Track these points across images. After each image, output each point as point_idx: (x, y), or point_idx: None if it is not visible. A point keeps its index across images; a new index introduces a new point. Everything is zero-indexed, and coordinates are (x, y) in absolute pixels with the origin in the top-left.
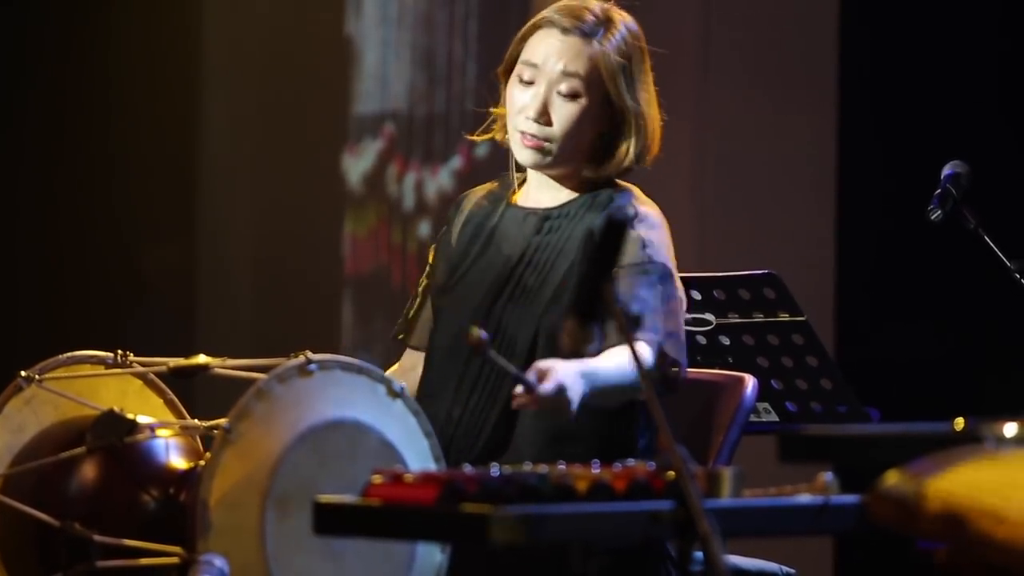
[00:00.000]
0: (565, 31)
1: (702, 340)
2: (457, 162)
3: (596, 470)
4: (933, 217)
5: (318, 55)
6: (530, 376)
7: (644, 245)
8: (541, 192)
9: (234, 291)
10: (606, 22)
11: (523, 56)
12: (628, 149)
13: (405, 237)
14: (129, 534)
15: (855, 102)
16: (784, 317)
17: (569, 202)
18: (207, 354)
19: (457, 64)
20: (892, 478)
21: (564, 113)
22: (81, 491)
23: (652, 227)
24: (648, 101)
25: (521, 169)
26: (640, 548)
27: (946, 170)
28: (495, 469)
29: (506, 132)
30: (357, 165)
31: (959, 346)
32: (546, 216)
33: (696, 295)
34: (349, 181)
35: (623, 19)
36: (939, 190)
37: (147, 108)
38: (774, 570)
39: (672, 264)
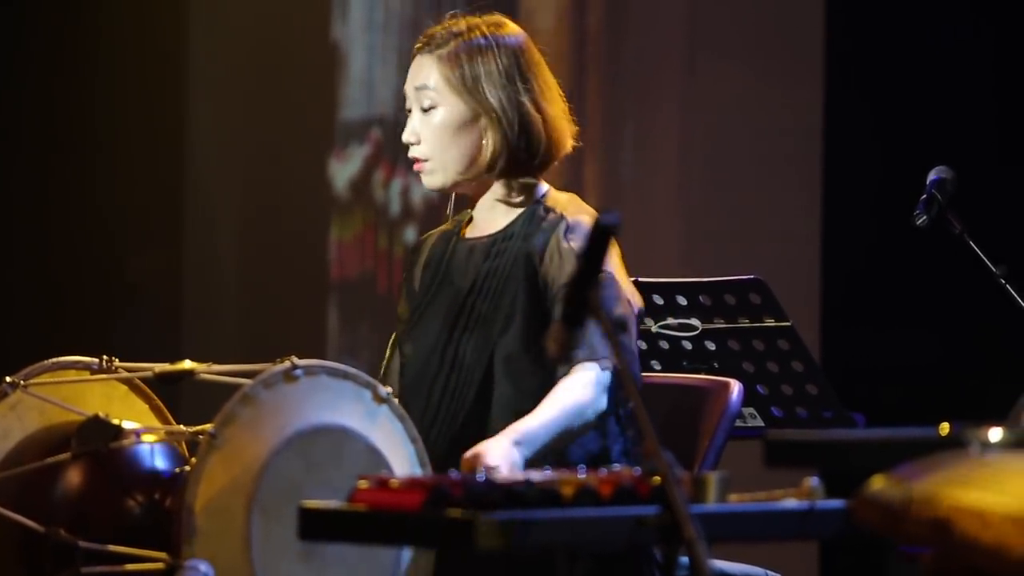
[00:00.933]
0: (419, 52)
1: (688, 345)
2: None
3: (582, 475)
4: (919, 222)
5: (304, 61)
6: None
7: None
8: (485, 220)
9: (220, 296)
10: (458, 33)
11: None
12: (492, 150)
13: (391, 242)
14: (114, 540)
15: (843, 105)
16: (770, 322)
17: (510, 224)
18: (193, 359)
19: None
20: (877, 483)
21: (426, 127)
22: (66, 497)
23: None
24: (534, 102)
25: (466, 204)
26: (626, 553)
27: (932, 176)
28: (481, 474)
29: None
30: (343, 170)
31: (945, 351)
32: (492, 242)
33: (682, 300)
34: (335, 186)
35: (487, 25)
36: (925, 195)
37: (134, 114)
38: (759, 575)
39: (614, 267)
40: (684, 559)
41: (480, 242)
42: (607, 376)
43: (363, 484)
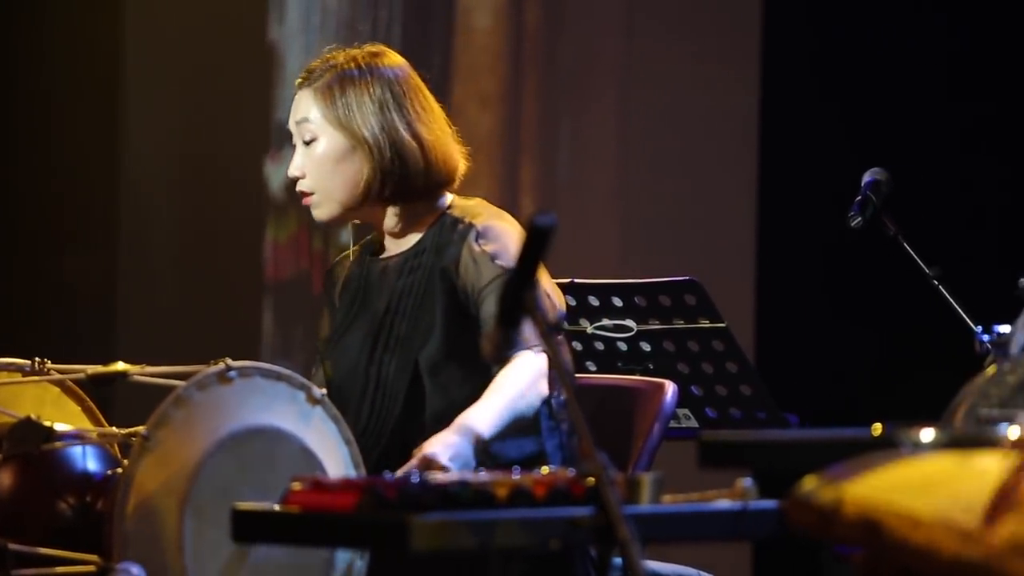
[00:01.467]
0: (299, 87)
1: (623, 346)
2: None
3: (516, 476)
4: (853, 224)
5: (240, 62)
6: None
7: (494, 258)
8: (393, 240)
9: (154, 297)
10: (333, 65)
11: None
12: (367, 178)
13: (327, 244)
14: (45, 542)
15: (778, 108)
16: (705, 323)
17: (420, 240)
18: (126, 361)
19: None
20: (810, 483)
21: (308, 160)
22: None
23: (496, 238)
24: (410, 128)
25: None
26: (560, 554)
27: (866, 177)
28: (415, 476)
29: None
30: (279, 171)
31: (878, 352)
32: (404, 260)
33: (617, 301)
34: (271, 187)
35: (364, 56)
36: (859, 197)
37: (69, 115)
38: (692, 575)
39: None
40: (618, 560)
41: (392, 261)
42: (542, 360)
43: (297, 486)
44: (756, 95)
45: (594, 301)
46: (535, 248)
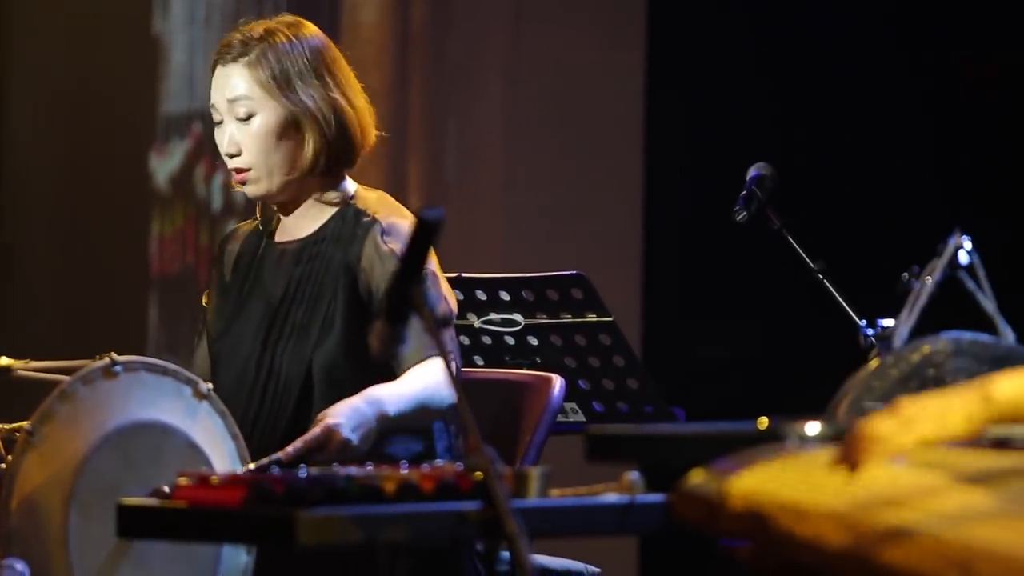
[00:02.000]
0: (222, 63)
1: (510, 340)
2: None
3: (404, 471)
4: (739, 218)
5: (125, 55)
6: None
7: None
8: (294, 223)
9: (38, 291)
10: (257, 39)
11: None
12: (313, 149)
13: (213, 238)
14: None
15: (663, 109)
16: (592, 317)
17: (321, 228)
18: (10, 356)
19: None
20: (696, 477)
21: (247, 137)
22: None
23: (402, 236)
24: (344, 96)
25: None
26: (448, 548)
27: (751, 171)
28: (303, 470)
29: None
30: (164, 165)
31: (764, 346)
32: (303, 247)
33: (504, 296)
34: (156, 181)
35: (286, 29)
36: (744, 191)
37: None
38: (579, 569)
39: (433, 267)
40: (505, 554)
41: (290, 246)
42: (453, 369)
43: (183, 481)
44: (642, 88)
45: (481, 295)
46: (422, 242)
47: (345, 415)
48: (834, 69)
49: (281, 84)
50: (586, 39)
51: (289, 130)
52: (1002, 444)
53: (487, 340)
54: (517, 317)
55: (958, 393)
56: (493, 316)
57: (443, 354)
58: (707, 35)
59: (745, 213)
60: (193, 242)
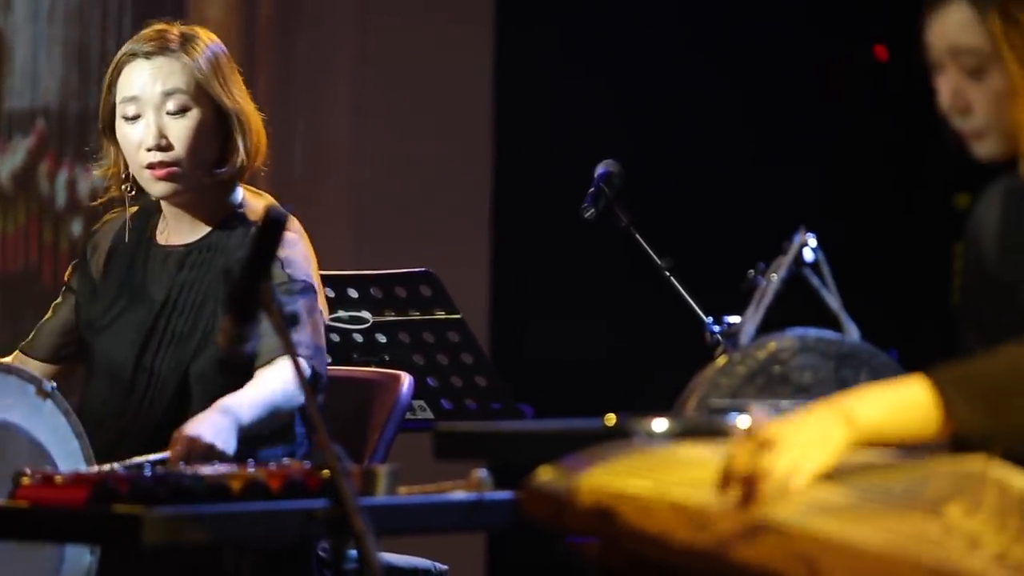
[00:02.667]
0: (151, 56)
1: (359, 338)
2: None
3: (251, 469)
4: (586, 215)
5: None
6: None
7: (283, 265)
8: (179, 227)
9: None
10: (188, 38)
11: (119, 97)
12: (241, 152)
13: (57, 235)
14: None
15: (511, 109)
16: (440, 315)
17: (207, 235)
18: None
19: (111, 60)
20: (544, 474)
21: (180, 131)
22: None
23: (288, 245)
24: (247, 102)
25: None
26: (296, 547)
27: (599, 169)
28: (148, 469)
29: (123, 185)
30: (7, 162)
31: (612, 343)
32: (187, 252)
33: (353, 293)
34: None
35: (201, 32)
36: (592, 188)
37: None
38: (427, 567)
39: (313, 278)
40: (353, 552)
41: (175, 250)
42: (305, 369)
43: (26, 480)
44: (490, 87)
45: (330, 293)
46: (270, 240)
47: (200, 428)
48: (682, 65)
49: (218, 85)
50: (433, 39)
51: (217, 130)
52: None
53: (335, 338)
54: (365, 315)
55: (823, 418)
56: (341, 313)
57: (291, 354)
58: (554, 34)
59: (593, 210)
60: (36, 240)
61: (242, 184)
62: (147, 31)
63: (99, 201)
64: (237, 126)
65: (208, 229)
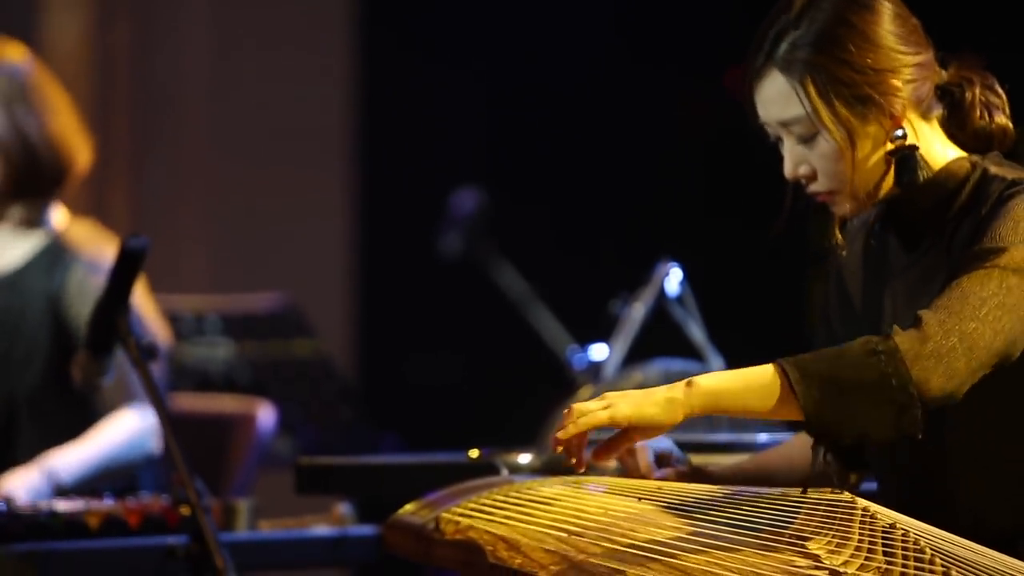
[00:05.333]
0: None
1: (218, 368)
2: None
3: (109, 504)
4: (447, 246)
5: None
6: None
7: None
8: None
9: None
10: None
11: None
12: (3, 173)
13: None
14: None
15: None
16: (302, 345)
17: (25, 259)
18: None
19: None
20: (409, 508)
21: None
22: None
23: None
24: (43, 122)
25: None
26: None
27: (460, 198)
28: (2, 504)
29: None
30: None
31: (477, 373)
32: (4, 278)
33: (213, 322)
34: None
35: (4, 58)
36: (452, 218)
37: None
38: None
39: (139, 298)
40: None
41: None
42: (150, 418)
43: None
44: (351, 115)
45: (189, 321)
46: (127, 271)
47: (13, 484)
48: (548, 97)
49: (7, 110)
50: (290, 66)
51: (16, 156)
52: (698, 473)
53: (194, 367)
54: (225, 344)
55: (662, 386)
56: (200, 342)
57: (150, 386)
58: (420, 61)
59: (455, 240)
60: None
61: (62, 207)
62: None
63: None
64: (32, 151)
65: (23, 253)
